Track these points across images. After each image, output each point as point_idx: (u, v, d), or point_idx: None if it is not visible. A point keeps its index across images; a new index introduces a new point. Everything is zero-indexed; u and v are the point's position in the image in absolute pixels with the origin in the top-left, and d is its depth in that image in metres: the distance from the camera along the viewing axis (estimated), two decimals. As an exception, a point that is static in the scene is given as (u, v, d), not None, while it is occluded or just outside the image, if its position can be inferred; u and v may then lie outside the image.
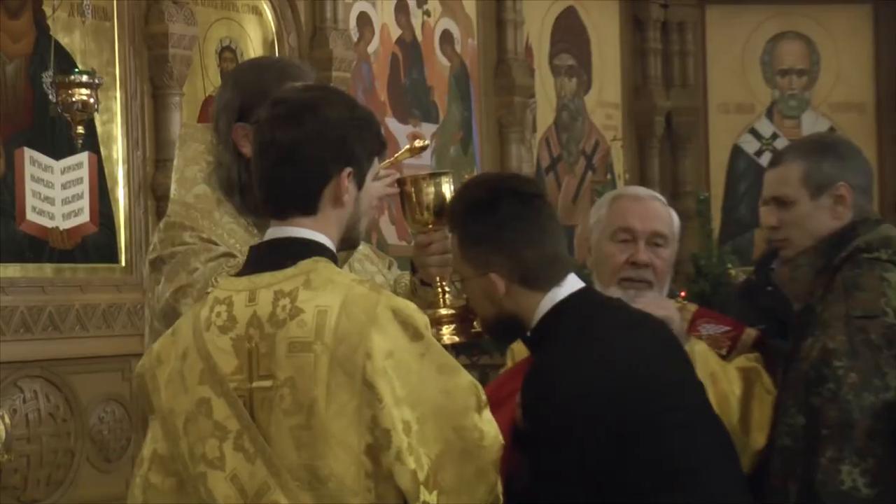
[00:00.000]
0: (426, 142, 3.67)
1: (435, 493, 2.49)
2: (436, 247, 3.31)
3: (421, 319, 2.59)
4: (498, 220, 3.08)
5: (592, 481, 2.88)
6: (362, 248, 3.41)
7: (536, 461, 2.97)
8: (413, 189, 3.27)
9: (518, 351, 3.56)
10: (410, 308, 2.60)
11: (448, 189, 3.30)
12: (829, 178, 3.22)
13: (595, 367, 2.97)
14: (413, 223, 3.39)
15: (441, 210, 3.27)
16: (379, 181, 3.07)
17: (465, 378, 2.59)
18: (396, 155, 3.42)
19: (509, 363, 3.65)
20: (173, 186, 3.27)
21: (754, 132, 12.15)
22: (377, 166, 2.84)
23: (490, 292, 3.09)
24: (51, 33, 7.46)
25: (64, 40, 7.54)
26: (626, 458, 2.88)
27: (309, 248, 2.63)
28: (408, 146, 3.44)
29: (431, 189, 3.25)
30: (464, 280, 3.17)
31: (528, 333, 3.14)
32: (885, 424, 2.83)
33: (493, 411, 2.71)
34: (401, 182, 3.27)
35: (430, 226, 3.30)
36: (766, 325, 3.93)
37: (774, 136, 12.10)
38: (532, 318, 3.09)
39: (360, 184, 2.73)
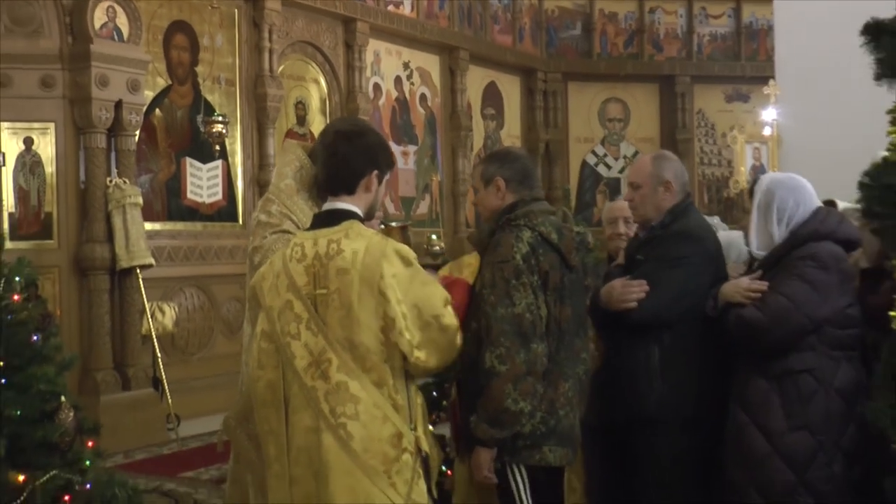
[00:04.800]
0: (406, 223, 3.20)
1: (423, 350, 2.44)
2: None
3: (412, 254, 2.49)
4: None
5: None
6: None
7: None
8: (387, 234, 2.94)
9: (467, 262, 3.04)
10: (406, 248, 2.50)
11: (409, 236, 3.03)
12: (491, 174, 2.89)
13: None
14: None
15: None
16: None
17: (438, 288, 2.51)
18: (384, 226, 3.04)
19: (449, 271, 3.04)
20: (273, 176, 3.13)
21: (594, 153, 12.11)
22: (388, 174, 2.67)
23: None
24: (202, 93, 7.48)
25: (209, 97, 7.54)
26: None
27: (348, 215, 2.53)
28: (384, 227, 2.98)
29: (398, 236, 2.96)
30: None
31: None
32: (512, 327, 2.62)
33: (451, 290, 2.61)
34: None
35: None
36: None
37: (605, 156, 12.11)
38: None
39: (380, 181, 2.60)
